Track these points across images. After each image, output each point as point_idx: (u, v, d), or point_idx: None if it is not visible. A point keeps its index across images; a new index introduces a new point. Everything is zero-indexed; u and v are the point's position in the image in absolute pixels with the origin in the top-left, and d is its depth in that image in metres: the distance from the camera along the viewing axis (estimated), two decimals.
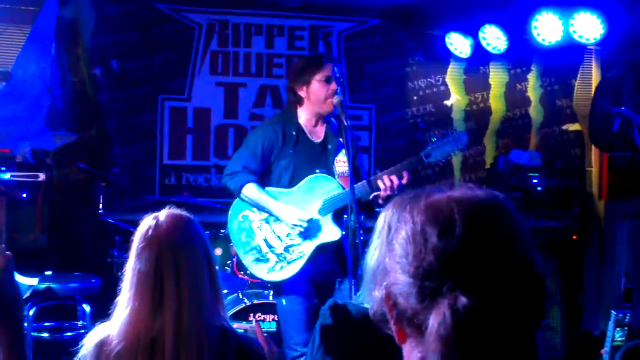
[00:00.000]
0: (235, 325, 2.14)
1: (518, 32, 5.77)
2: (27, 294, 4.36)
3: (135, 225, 2.12)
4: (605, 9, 5.22)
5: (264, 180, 3.81)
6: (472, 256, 0.95)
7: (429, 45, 6.45)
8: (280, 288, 3.81)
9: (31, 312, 4.47)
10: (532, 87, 6.63)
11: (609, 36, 5.37)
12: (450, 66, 6.54)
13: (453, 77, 6.57)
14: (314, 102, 3.74)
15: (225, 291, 4.56)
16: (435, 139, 3.69)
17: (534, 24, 5.49)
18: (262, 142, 3.76)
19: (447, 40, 6.16)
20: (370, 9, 6.39)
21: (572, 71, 6.58)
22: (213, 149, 6.25)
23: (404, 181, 3.57)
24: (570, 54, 6.13)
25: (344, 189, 3.72)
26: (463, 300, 0.92)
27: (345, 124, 3.57)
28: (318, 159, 3.80)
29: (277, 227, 3.77)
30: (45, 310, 4.75)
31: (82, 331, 4.61)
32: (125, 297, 2.03)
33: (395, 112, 6.43)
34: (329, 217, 3.73)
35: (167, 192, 5.94)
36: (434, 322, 0.93)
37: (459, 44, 6.13)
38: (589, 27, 5.30)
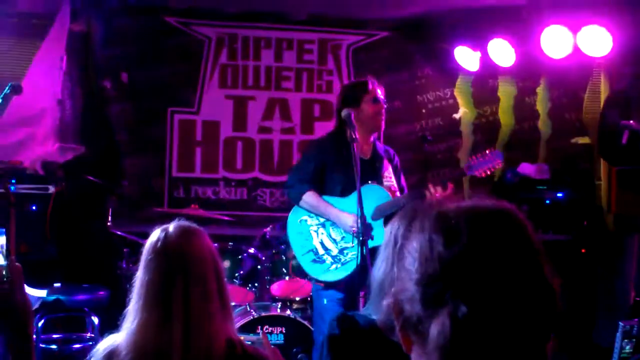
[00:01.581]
0: (242, 337, 2.14)
1: (526, 45, 5.77)
2: (36, 306, 4.38)
3: (144, 237, 2.13)
4: (613, 22, 5.22)
5: (318, 190, 4.14)
6: (475, 265, 0.95)
7: (438, 58, 6.46)
8: (324, 287, 4.06)
9: (40, 324, 4.49)
10: (541, 100, 6.62)
11: (618, 49, 5.36)
12: (459, 79, 6.55)
13: (461, 90, 6.58)
14: (365, 120, 4.08)
15: (233, 303, 4.56)
16: (476, 156, 4.03)
17: (542, 37, 5.49)
18: (317, 156, 4.16)
19: (455, 53, 6.17)
20: (378, 22, 6.41)
21: (581, 84, 6.57)
22: (222, 162, 6.28)
23: (448, 191, 3.81)
24: (578, 67, 6.13)
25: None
26: (463, 309, 0.92)
27: (354, 136, 3.76)
28: (367, 173, 4.05)
29: (332, 231, 4.11)
30: (53, 321, 4.76)
31: (90, 343, 4.62)
32: (133, 308, 2.03)
33: (403, 125, 6.43)
34: (380, 222, 3.98)
35: (176, 205, 5.96)
36: (433, 330, 0.94)
37: (467, 57, 6.14)
38: (597, 40, 5.29)
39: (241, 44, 6.31)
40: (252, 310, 4.61)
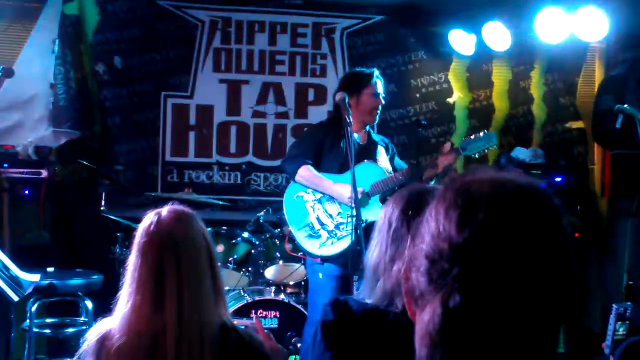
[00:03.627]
0: (236, 322, 2.14)
1: (521, 29, 5.75)
2: (29, 290, 4.36)
3: (137, 222, 2.12)
4: (609, 6, 5.20)
5: (315, 166, 4.22)
6: (485, 254, 0.84)
7: (432, 42, 6.44)
8: (320, 263, 4.11)
9: (33, 308, 4.48)
10: (535, 84, 6.61)
11: (613, 34, 5.34)
12: (453, 63, 6.53)
13: (455, 74, 6.56)
14: (362, 111, 4.19)
15: (227, 288, 4.57)
16: (471, 136, 4.13)
17: (537, 20, 5.47)
18: (317, 135, 4.26)
19: (449, 37, 6.15)
20: (373, 6, 6.38)
21: (575, 68, 6.56)
22: (215, 146, 6.25)
23: (439, 170, 3.98)
24: (573, 51, 6.11)
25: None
26: (457, 298, 0.83)
27: (348, 120, 3.80)
28: (362, 156, 4.18)
29: (328, 207, 4.17)
30: (47, 306, 4.75)
31: (84, 327, 4.62)
32: (126, 292, 2.03)
33: (397, 109, 6.42)
34: (376, 198, 4.10)
35: (170, 189, 5.94)
36: (425, 315, 0.87)
37: (461, 40, 6.12)
38: (592, 25, 5.27)
39: (235, 27, 6.27)
40: (246, 295, 4.61)
